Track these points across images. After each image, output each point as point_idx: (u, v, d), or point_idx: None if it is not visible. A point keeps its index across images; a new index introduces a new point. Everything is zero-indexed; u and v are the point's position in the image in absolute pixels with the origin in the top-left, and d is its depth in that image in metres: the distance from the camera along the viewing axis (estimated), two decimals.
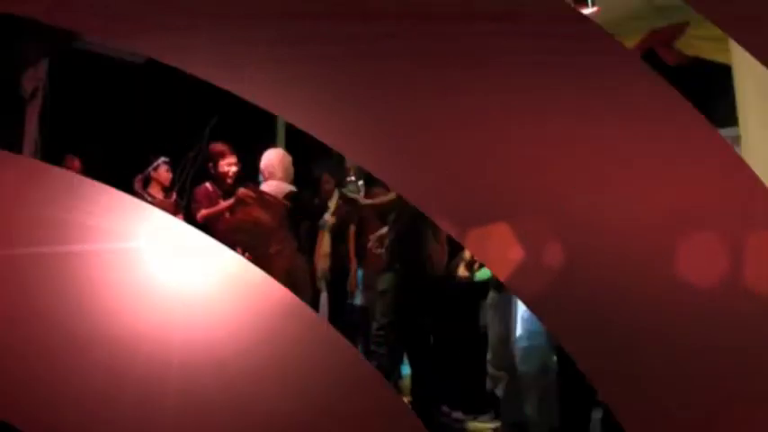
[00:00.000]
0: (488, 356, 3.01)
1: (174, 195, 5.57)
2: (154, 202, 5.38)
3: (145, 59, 6.43)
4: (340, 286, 5.11)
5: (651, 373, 1.20)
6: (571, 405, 2.70)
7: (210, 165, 4.83)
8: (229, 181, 4.94)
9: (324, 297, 5.31)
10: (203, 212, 4.61)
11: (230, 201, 4.67)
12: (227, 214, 4.73)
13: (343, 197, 4.00)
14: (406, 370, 4.91)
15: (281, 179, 4.75)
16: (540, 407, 2.86)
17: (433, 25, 1.21)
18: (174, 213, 5.38)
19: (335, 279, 5.11)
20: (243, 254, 4.58)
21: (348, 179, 3.95)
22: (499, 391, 2.97)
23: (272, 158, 4.85)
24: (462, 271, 3.76)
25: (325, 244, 5.19)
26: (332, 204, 5.21)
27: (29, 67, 5.14)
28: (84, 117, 5.74)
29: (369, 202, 3.90)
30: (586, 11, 5.30)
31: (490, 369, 2.98)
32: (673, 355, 1.18)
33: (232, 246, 4.44)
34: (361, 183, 4.00)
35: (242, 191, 4.61)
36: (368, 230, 4.91)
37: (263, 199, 4.61)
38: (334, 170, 5.42)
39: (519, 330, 2.75)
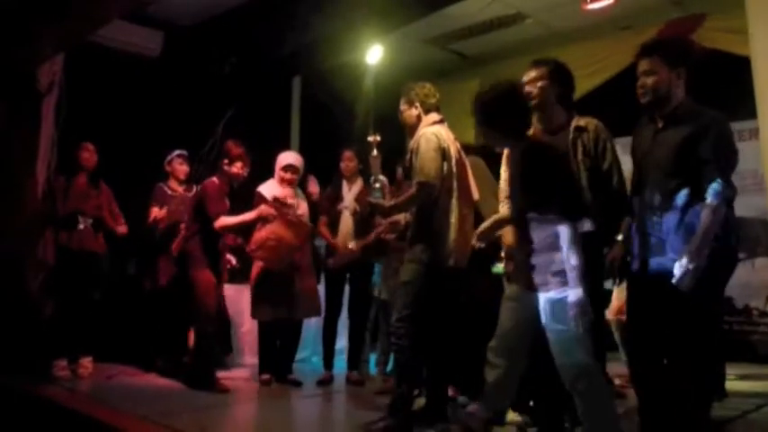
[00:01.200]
0: (492, 344, 3.02)
1: (195, 188, 5.57)
2: (175, 196, 5.44)
3: (160, 53, 6.47)
4: (362, 278, 5.17)
5: None
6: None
7: (226, 162, 4.80)
8: (235, 185, 4.96)
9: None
10: (223, 222, 4.65)
11: (251, 215, 4.74)
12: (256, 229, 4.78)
13: (369, 203, 4.03)
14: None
15: (275, 181, 5.02)
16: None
17: None
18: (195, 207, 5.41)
19: (358, 271, 5.15)
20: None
21: (373, 186, 3.97)
22: (490, 378, 3.01)
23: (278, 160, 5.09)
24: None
25: (346, 224, 5.19)
26: (356, 188, 5.22)
27: (45, 62, 5.17)
28: (100, 111, 5.77)
29: (392, 203, 3.87)
30: (601, 3, 5.27)
31: (491, 357, 3.01)
32: None
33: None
34: (383, 182, 4.04)
35: (264, 208, 4.74)
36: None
37: (286, 218, 4.78)
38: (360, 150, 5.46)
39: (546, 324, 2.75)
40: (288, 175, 5.00)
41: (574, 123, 3.12)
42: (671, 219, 2.75)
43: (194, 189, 5.56)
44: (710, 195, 2.59)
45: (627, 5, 5.96)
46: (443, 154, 3.67)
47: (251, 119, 6.33)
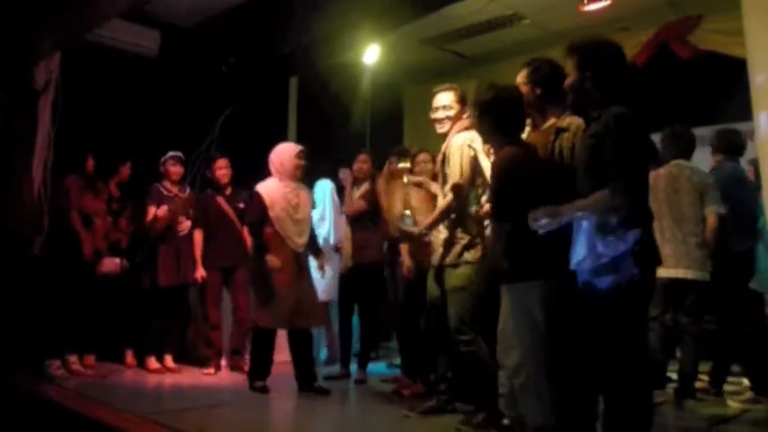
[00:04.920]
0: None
1: (188, 190, 5.66)
2: (170, 197, 5.48)
3: (157, 52, 6.46)
4: (375, 280, 5.22)
5: None
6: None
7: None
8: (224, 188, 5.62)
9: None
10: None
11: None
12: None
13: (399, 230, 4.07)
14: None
15: (278, 177, 4.73)
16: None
17: None
18: (189, 207, 5.50)
19: (371, 272, 5.22)
20: None
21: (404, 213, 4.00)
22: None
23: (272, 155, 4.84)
24: None
25: (346, 228, 5.37)
26: (363, 188, 5.28)
27: (41, 60, 5.16)
28: (97, 109, 5.76)
29: (419, 230, 3.82)
30: (598, 4, 5.28)
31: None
32: None
33: None
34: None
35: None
36: None
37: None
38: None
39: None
40: (303, 161, 4.78)
41: (557, 124, 3.06)
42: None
43: (188, 190, 5.65)
44: None
45: (624, 7, 5.97)
46: None
47: (248, 119, 6.32)
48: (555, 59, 3.17)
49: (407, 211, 3.96)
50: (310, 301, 4.73)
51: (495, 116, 3.10)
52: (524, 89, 3.16)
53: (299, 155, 4.76)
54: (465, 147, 3.64)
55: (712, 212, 4.27)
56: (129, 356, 5.59)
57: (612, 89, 2.74)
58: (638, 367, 2.66)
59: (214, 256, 5.42)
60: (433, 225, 3.74)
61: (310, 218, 4.93)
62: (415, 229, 3.85)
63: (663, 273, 4.06)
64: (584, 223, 2.66)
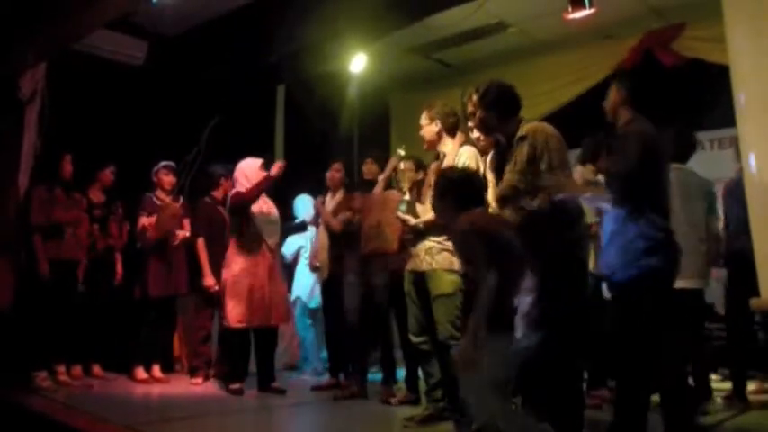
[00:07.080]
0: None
1: (182, 199, 5.63)
2: (164, 207, 5.44)
3: (144, 61, 6.44)
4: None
5: None
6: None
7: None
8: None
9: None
10: None
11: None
12: None
13: (397, 218, 4.09)
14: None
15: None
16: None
17: None
18: (183, 217, 5.47)
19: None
20: None
21: (402, 199, 4.04)
22: None
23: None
24: None
25: (322, 236, 5.35)
26: (338, 197, 5.27)
27: (27, 70, 5.13)
28: (84, 119, 5.73)
29: (415, 222, 3.92)
30: (583, 13, 5.31)
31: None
32: None
33: None
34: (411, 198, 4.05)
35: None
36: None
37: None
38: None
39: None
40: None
41: (518, 134, 3.11)
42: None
43: (181, 200, 5.62)
44: None
45: (608, 15, 6.02)
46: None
47: (235, 128, 6.32)
48: (497, 80, 3.28)
49: (406, 196, 4.01)
50: (280, 299, 5.05)
51: (449, 195, 2.91)
52: (479, 114, 3.24)
53: (263, 167, 5.05)
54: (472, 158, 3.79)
55: (713, 220, 4.28)
56: (96, 368, 5.51)
57: None
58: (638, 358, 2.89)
59: (214, 265, 5.35)
60: (432, 224, 3.79)
61: (279, 222, 5.21)
62: (412, 220, 3.92)
63: (681, 284, 4.11)
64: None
